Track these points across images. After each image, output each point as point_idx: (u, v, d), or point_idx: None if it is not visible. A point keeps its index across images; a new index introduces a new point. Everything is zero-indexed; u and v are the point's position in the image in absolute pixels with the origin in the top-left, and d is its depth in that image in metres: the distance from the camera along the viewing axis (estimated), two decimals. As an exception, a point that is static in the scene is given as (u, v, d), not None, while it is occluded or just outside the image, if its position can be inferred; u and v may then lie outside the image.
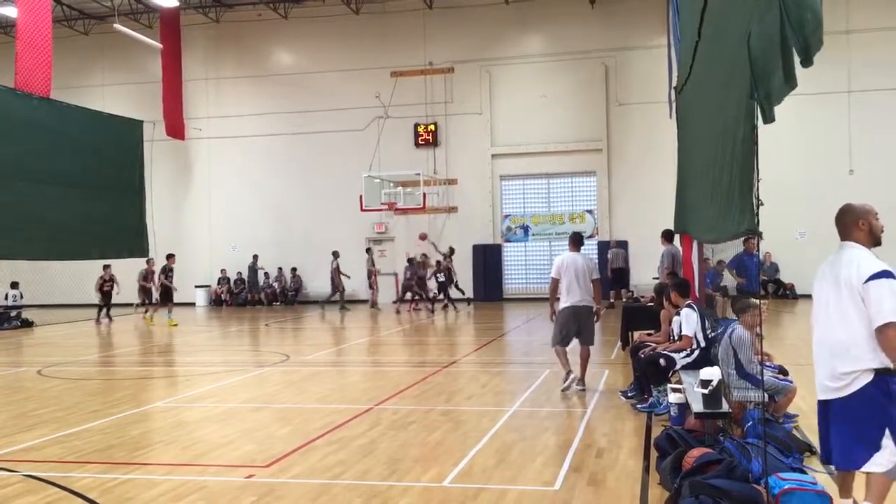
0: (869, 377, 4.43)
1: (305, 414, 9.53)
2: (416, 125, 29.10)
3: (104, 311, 23.85)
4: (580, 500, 5.97)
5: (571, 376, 10.24)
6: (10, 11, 24.67)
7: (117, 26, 27.00)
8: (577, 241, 10.67)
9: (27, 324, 23.48)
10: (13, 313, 23.84)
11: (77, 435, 8.61)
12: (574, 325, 10.34)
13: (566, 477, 6.57)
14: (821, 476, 6.04)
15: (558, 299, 10.47)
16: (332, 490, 6.37)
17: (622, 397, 9.75)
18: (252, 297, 29.74)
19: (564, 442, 7.84)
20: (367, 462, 7.17)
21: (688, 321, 8.89)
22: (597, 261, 25.05)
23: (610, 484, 6.35)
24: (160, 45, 28.99)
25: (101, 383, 12.74)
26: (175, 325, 22.02)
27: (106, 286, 23.79)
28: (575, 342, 10.47)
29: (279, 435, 8.37)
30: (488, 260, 28.42)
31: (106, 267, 23.83)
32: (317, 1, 29.51)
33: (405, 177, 27.20)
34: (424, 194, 26.99)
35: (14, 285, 25.38)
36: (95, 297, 24.25)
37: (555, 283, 10.43)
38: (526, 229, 28.64)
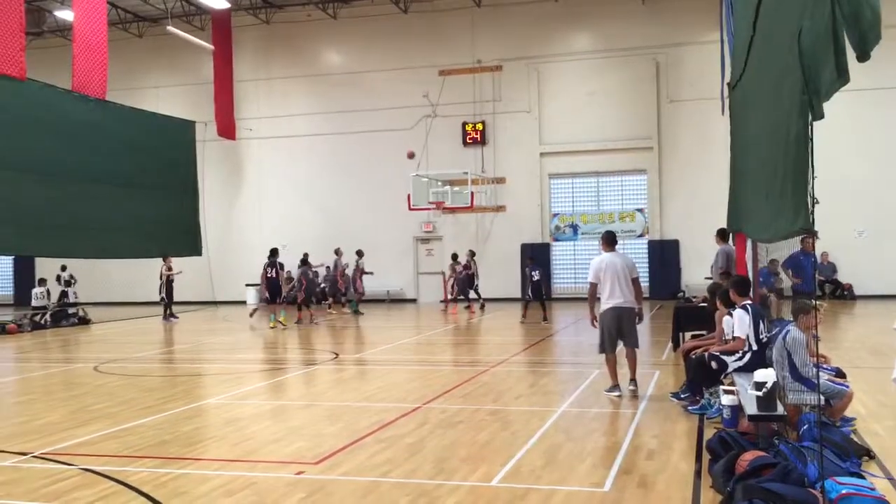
0: None
1: (354, 412, 9.58)
2: (464, 124, 29.08)
3: (169, 308, 24.37)
4: (630, 502, 5.89)
5: (617, 392, 10.02)
6: (67, 15, 25.29)
7: (170, 28, 27.50)
8: (611, 240, 10.31)
9: (84, 321, 24.02)
10: (70, 311, 24.39)
11: (131, 430, 8.77)
12: (618, 328, 10.05)
13: (616, 479, 6.49)
14: (879, 481, 5.88)
15: (598, 300, 10.18)
16: (381, 488, 6.39)
17: (673, 399, 9.59)
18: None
19: (614, 443, 7.76)
20: (414, 461, 7.18)
21: (741, 323, 8.50)
22: (642, 261, 24.35)
23: (660, 486, 6.26)
24: (212, 47, 29.43)
25: (154, 380, 12.98)
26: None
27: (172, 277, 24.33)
28: (621, 346, 10.21)
29: (328, 432, 8.43)
30: (537, 259, 28.14)
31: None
32: (365, 1, 29.68)
33: (453, 176, 27.19)
34: (472, 193, 26.97)
35: (68, 283, 25.88)
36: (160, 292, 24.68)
37: (594, 288, 10.11)
38: (575, 228, 28.41)
